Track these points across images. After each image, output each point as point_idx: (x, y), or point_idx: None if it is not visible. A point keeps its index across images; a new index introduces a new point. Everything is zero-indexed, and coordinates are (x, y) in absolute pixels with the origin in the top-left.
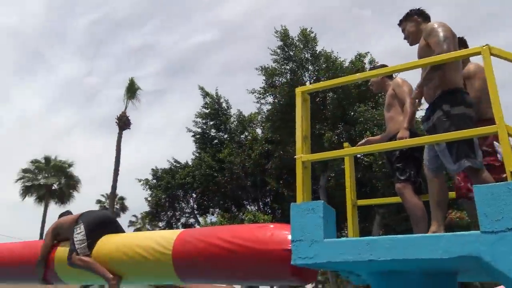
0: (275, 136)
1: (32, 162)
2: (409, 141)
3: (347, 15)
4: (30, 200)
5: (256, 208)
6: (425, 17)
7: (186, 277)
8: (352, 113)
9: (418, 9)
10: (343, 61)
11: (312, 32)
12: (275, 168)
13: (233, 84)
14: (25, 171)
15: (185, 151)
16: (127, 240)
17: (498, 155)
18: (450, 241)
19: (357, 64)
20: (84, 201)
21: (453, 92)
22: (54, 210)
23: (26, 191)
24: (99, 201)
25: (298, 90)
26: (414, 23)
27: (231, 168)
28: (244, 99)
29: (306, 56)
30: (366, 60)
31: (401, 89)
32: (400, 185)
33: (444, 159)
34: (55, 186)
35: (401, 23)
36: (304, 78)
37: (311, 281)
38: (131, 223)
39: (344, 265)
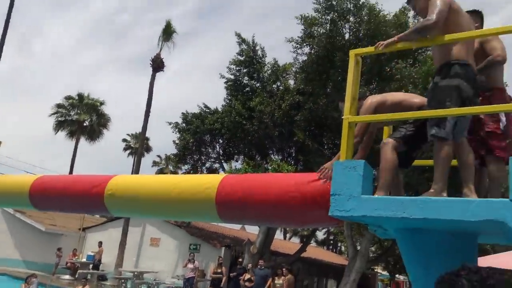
0: (307, 88)
1: (66, 98)
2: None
3: None
4: (62, 134)
5: (281, 158)
6: None
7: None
8: (388, 70)
9: None
10: (387, 14)
11: None
12: (304, 120)
13: (267, 29)
14: (59, 106)
15: (216, 95)
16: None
17: (501, 124)
18: (480, 206)
19: (401, 18)
20: (112, 139)
21: (449, 65)
22: (84, 146)
23: (59, 125)
24: (124, 140)
25: (352, 53)
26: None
27: (260, 117)
28: (278, 44)
29: (349, 6)
30: (411, 14)
31: None
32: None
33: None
34: (86, 123)
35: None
36: (344, 29)
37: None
38: (155, 163)
39: (377, 220)
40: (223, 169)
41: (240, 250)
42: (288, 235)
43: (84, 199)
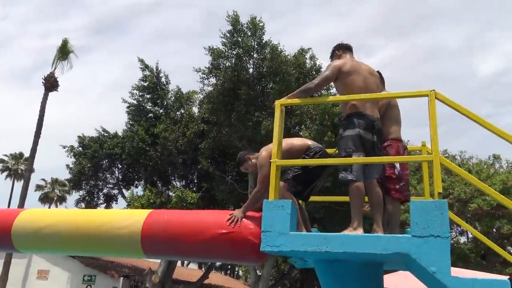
0: (212, 117)
1: None
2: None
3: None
4: None
5: (183, 184)
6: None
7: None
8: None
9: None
10: (288, 54)
11: (261, 22)
12: (208, 148)
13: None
14: None
15: (109, 115)
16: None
17: (396, 170)
18: (389, 241)
19: (300, 59)
20: None
21: (348, 117)
22: None
23: None
24: (1, 160)
25: (278, 103)
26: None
27: (164, 144)
28: (175, 66)
29: (253, 44)
30: (308, 55)
31: None
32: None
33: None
34: None
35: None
36: (248, 65)
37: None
38: (39, 187)
39: (302, 254)
40: (123, 196)
41: (140, 279)
42: (185, 262)
43: None
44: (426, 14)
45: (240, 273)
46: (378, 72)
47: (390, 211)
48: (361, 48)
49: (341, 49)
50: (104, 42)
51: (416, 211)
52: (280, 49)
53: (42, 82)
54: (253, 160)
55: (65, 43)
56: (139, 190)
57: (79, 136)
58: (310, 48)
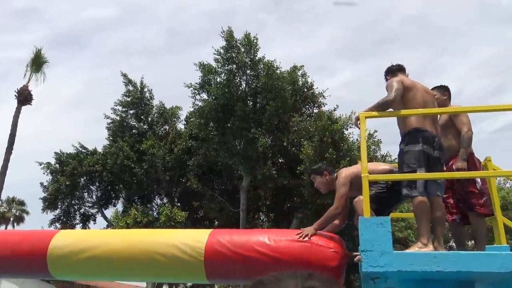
0: (201, 133)
1: None
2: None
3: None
4: None
5: (166, 202)
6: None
7: None
8: (286, 122)
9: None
10: (283, 71)
11: (257, 39)
12: (196, 165)
13: (126, 66)
14: None
15: (77, 131)
16: None
17: (477, 184)
18: (506, 259)
19: (293, 75)
20: None
21: (409, 133)
22: None
23: None
24: None
25: (362, 115)
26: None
27: (152, 161)
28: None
29: (246, 60)
30: (300, 73)
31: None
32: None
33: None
34: None
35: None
36: (241, 81)
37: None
38: None
39: (409, 274)
40: (103, 215)
41: None
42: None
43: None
44: (385, 39)
45: None
46: (446, 86)
47: (475, 227)
48: (323, 68)
49: (392, 72)
50: (64, 57)
51: None
52: (276, 65)
53: (15, 96)
54: (327, 178)
55: (38, 54)
56: (118, 208)
57: (56, 153)
58: (303, 66)
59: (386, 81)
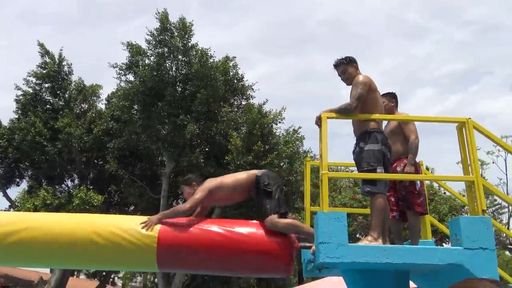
0: (124, 116)
1: None
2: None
3: None
4: None
5: (79, 184)
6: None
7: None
8: (216, 112)
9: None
10: (217, 61)
11: (192, 25)
12: (117, 148)
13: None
14: None
15: None
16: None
17: (416, 185)
18: (444, 253)
19: (226, 65)
20: None
21: (369, 133)
22: None
23: None
24: None
25: (324, 115)
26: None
27: (68, 140)
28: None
29: (179, 45)
30: (232, 63)
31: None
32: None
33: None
34: None
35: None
36: (172, 65)
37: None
38: None
39: (363, 265)
40: (5, 195)
41: None
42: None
43: None
44: (301, 38)
45: (116, 279)
46: (393, 93)
47: (412, 224)
48: (242, 59)
49: (355, 63)
50: None
51: (465, 226)
52: (210, 54)
53: None
54: (196, 188)
55: None
56: (24, 188)
57: None
58: (235, 57)
59: (339, 67)
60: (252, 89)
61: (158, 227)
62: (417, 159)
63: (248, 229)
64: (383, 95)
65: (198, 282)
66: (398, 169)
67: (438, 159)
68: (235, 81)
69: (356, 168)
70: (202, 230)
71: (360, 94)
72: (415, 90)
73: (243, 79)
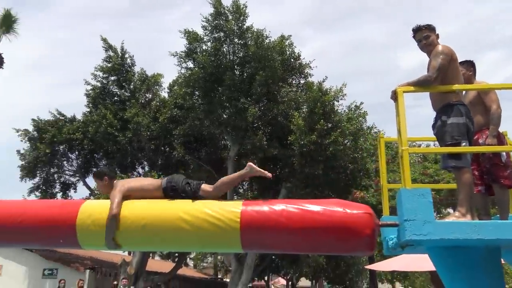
0: (187, 103)
1: None
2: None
3: None
4: None
5: (149, 171)
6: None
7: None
8: (276, 92)
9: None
10: (273, 41)
11: (246, 6)
12: (182, 134)
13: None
14: None
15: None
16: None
17: (502, 157)
18: None
19: (283, 45)
20: None
21: (451, 105)
22: None
23: None
24: None
25: (400, 90)
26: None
27: (137, 129)
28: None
29: (234, 28)
30: (288, 42)
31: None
32: None
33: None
34: None
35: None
36: (229, 49)
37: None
38: None
39: (451, 242)
40: (85, 184)
41: (107, 271)
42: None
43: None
44: (353, 9)
45: (188, 260)
46: (471, 62)
47: (500, 198)
48: (294, 38)
49: (434, 31)
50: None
51: None
52: (266, 34)
53: None
54: (106, 182)
55: (7, 14)
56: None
57: (33, 119)
58: (290, 36)
59: (421, 32)
60: (310, 67)
61: (240, 208)
62: (500, 130)
63: (328, 207)
64: (460, 63)
65: (268, 261)
66: (480, 141)
67: None
68: (292, 60)
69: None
70: (283, 210)
71: (441, 64)
72: (480, 54)
73: (300, 57)
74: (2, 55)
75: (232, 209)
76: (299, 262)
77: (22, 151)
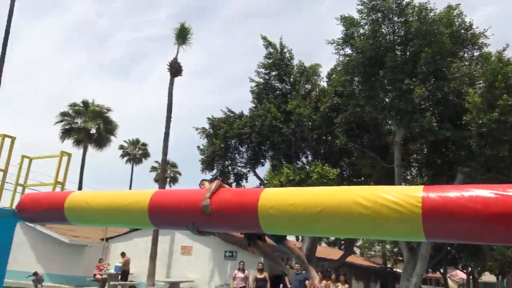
0: (347, 90)
1: (70, 105)
2: None
3: None
4: (69, 142)
5: (313, 160)
6: None
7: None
8: (445, 69)
9: None
10: (439, 13)
11: None
12: (344, 122)
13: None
14: (63, 114)
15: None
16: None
17: None
18: None
19: (450, 15)
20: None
21: None
22: (92, 155)
23: (65, 133)
24: (122, 147)
25: None
26: None
27: (299, 120)
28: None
29: (393, 6)
30: (456, 12)
31: None
32: None
33: None
34: (93, 130)
35: None
36: (388, 29)
37: None
38: (153, 168)
39: None
40: (255, 174)
41: (281, 256)
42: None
43: None
44: None
45: (354, 248)
46: None
47: None
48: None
49: None
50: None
51: None
52: (430, 7)
53: (167, 68)
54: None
55: (182, 27)
56: (265, 168)
57: (208, 118)
58: (459, 4)
59: None
60: (485, 36)
61: (421, 193)
62: None
63: None
64: None
65: (444, 252)
66: None
67: None
68: (463, 31)
69: None
70: (471, 197)
71: None
72: None
73: (472, 27)
74: (180, 64)
75: (412, 194)
76: (481, 255)
77: (201, 147)
